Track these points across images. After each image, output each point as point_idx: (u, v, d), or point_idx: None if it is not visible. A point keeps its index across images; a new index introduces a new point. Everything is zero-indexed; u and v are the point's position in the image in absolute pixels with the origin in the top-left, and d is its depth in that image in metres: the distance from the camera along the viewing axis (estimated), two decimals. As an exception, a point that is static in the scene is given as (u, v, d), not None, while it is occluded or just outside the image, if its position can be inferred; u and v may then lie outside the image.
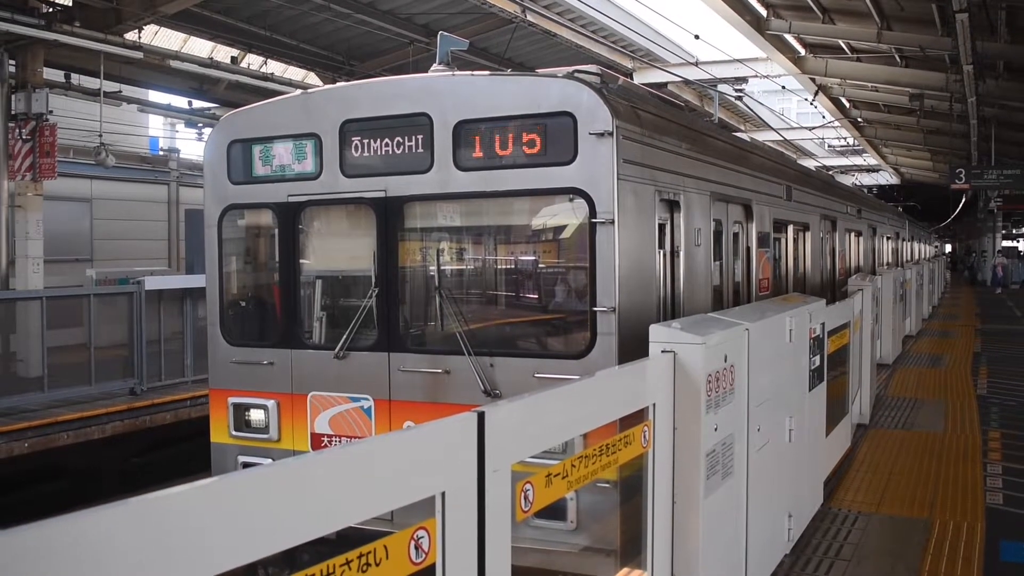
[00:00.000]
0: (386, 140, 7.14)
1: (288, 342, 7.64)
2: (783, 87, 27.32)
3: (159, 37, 22.55)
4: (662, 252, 7.37)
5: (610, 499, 6.13)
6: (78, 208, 22.54)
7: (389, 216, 7.19)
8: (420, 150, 7.02)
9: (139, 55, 17.77)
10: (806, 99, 28.74)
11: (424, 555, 2.73)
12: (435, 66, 7.44)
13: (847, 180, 40.63)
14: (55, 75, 19.00)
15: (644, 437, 4.38)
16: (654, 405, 4.48)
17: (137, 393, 13.92)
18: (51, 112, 16.61)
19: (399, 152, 7.11)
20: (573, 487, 3.76)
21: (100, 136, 19.01)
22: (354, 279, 7.82)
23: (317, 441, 7.29)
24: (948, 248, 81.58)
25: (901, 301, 18.36)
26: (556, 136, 6.54)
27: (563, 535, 6.28)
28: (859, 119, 33.22)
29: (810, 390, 7.16)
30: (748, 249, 10.04)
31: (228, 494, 2.25)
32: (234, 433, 7.72)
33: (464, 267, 7.58)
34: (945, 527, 7.31)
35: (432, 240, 7.45)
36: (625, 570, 5.20)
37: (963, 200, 44.38)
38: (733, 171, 9.49)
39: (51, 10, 16.73)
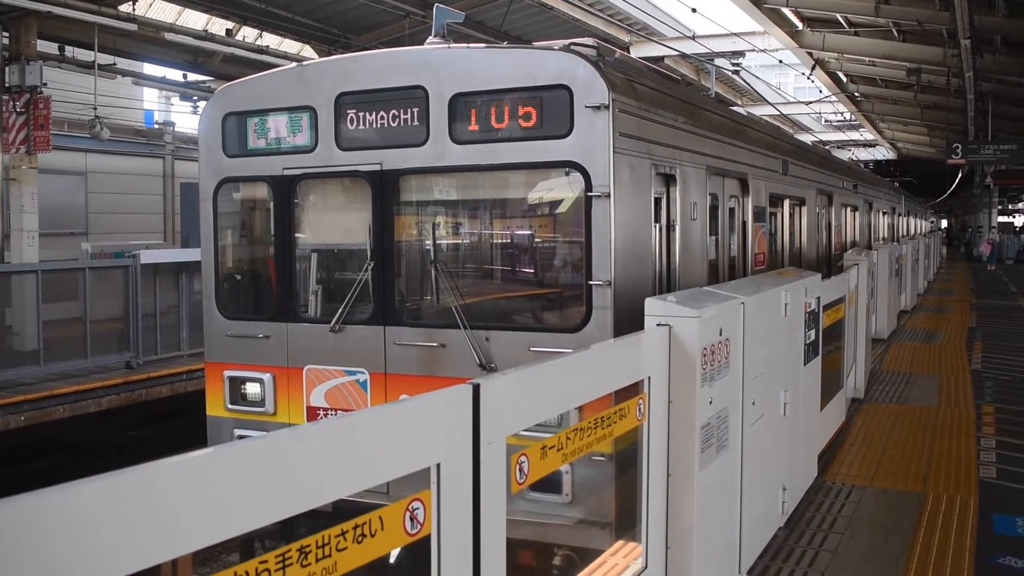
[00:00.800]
0: (382, 113, 7.12)
1: (284, 315, 7.62)
2: (780, 61, 27.21)
3: (154, 9, 22.37)
4: (658, 226, 7.34)
5: (605, 472, 6.14)
6: (73, 181, 22.45)
7: (384, 189, 7.17)
8: (416, 123, 6.99)
9: (133, 27, 17.65)
10: (803, 73, 28.67)
11: (419, 526, 2.74)
12: (431, 39, 7.39)
13: (844, 155, 40.59)
14: (49, 47, 18.87)
15: (639, 410, 4.39)
16: (649, 378, 4.49)
17: (133, 367, 13.93)
18: (45, 85, 16.52)
19: (395, 125, 7.08)
20: (568, 459, 3.77)
21: (95, 109, 18.90)
22: (350, 252, 7.80)
23: (313, 414, 7.29)
24: (944, 223, 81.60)
25: (896, 276, 18.39)
26: (552, 109, 6.52)
27: (558, 508, 6.31)
28: (856, 94, 33.14)
29: (805, 364, 7.18)
30: (744, 224, 9.99)
31: (221, 466, 2.26)
32: (230, 406, 7.72)
33: (460, 241, 7.55)
34: (938, 500, 7.36)
35: (428, 214, 7.42)
36: (619, 543, 5.23)
37: (959, 175, 44.37)
38: (729, 145, 9.46)
39: (44, -19, 16.59)
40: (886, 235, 27.40)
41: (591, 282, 6.44)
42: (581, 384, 4.03)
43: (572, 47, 6.81)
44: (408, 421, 2.84)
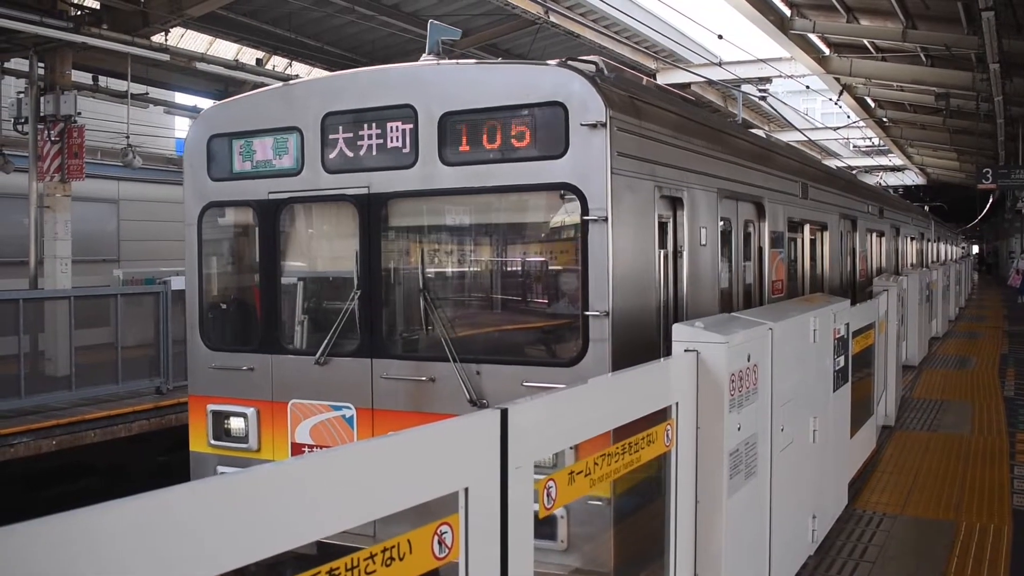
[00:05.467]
0: (369, 134, 6.82)
1: (268, 347, 7.31)
2: (807, 87, 27.16)
3: (185, 39, 22.74)
4: (663, 252, 7.00)
5: (603, 517, 5.79)
6: (106, 209, 22.74)
7: (372, 214, 6.86)
8: (404, 144, 6.69)
9: (166, 57, 17.92)
10: (831, 99, 28.55)
11: (447, 550, 2.75)
12: (424, 56, 7.08)
13: (872, 180, 40.32)
14: (83, 77, 19.20)
15: (667, 436, 4.38)
16: (677, 404, 4.48)
17: (163, 392, 14.02)
18: (79, 114, 16.78)
19: (382, 146, 6.77)
20: (596, 485, 3.76)
21: (127, 138, 19.18)
22: (337, 281, 7.47)
23: (297, 451, 6.97)
24: (976, 249, 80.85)
25: (927, 302, 18.22)
26: (546, 128, 6.20)
27: (553, 556, 5.93)
28: (884, 119, 32.96)
29: (834, 391, 7.13)
30: (760, 250, 9.63)
31: (249, 488, 2.28)
32: (213, 442, 7.41)
33: (450, 268, 7.19)
34: (971, 529, 7.25)
35: (417, 240, 7.10)
36: None
37: (990, 200, 43.97)
38: (743, 167, 9.09)
39: (79, 13, 16.90)
40: (914, 261, 26.79)
41: (587, 313, 6.08)
42: (608, 409, 4.03)
43: (568, 62, 6.51)
44: (437, 445, 2.85)
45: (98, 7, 17.38)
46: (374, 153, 6.82)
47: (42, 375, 14.43)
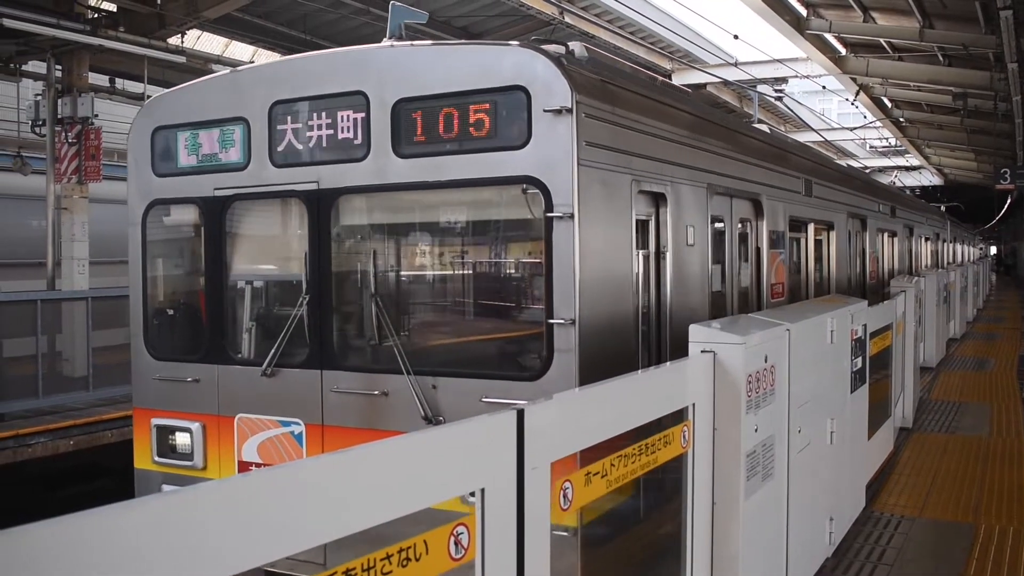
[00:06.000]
0: (319, 124, 6.31)
1: (214, 356, 6.80)
2: (824, 87, 27.07)
3: (201, 42, 22.82)
4: (642, 253, 6.47)
5: (570, 548, 5.09)
6: (123, 210, 22.82)
7: (321, 212, 6.34)
8: (356, 135, 6.17)
9: (182, 59, 17.98)
10: (847, 99, 28.44)
11: (464, 551, 2.74)
12: (385, 40, 6.50)
13: (886, 180, 40.11)
14: (100, 80, 19.29)
15: (684, 437, 4.36)
16: (694, 405, 4.46)
17: (179, 393, 14.07)
18: (96, 116, 16.87)
19: (333, 137, 6.26)
20: (612, 486, 3.75)
21: (144, 139, 19.23)
22: (286, 285, 6.94)
23: (244, 471, 6.42)
24: (993, 250, 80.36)
25: (945, 303, 18.11)
26: (507, 115, 5.66)
27: None
28: (901, 119, 32.81)
29: (852, 392, 7.08)
30: (758, 250, 9.06)
31: (267, 488, 2.28)
32: (157, 459, 6.91)
33: (404, 271, 6.67)
34: (991, 532, 7.20)
35: (369, 239, 6.56)
36: None
37: (1008, 201, 43.69)
38: (738, 161, 8.48)
39: (96, 16, 17.00)
40: (929, 263, 26.23)
41: (552, 321, 5.53)
42: (625, 410, 4.01)
43: (534, 42, 5.99)
44: (454, 446, 2.84)
45: (115, 10, 17.47)
46: (324, 145, 6.33)
47: (60, 376, 14.50)
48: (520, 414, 3.02)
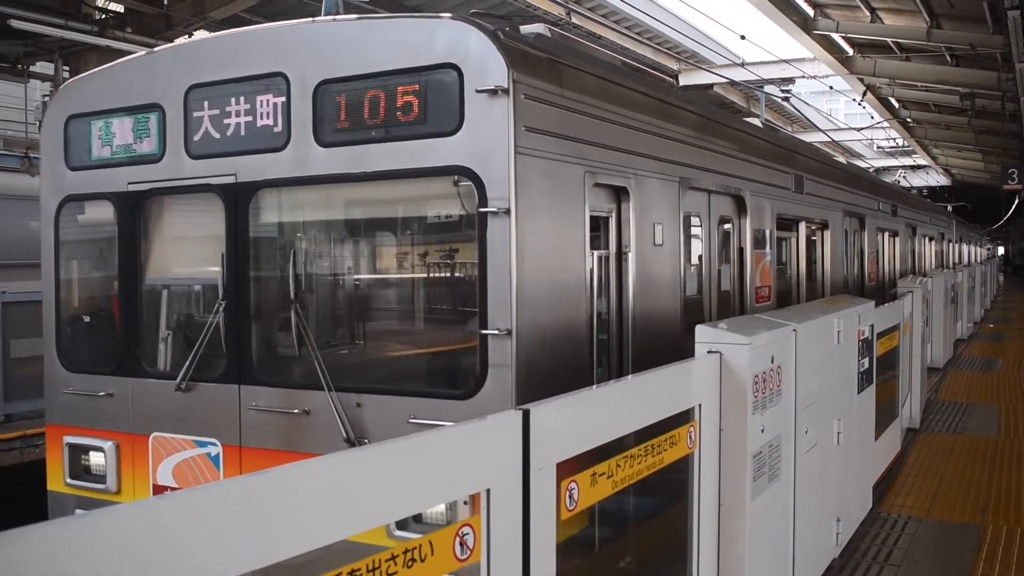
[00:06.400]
0: (237, 109, 5.73)
1: (128, 369, 6.20)
2: (831, 87, 27.04)
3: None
4: (598, 254, 5.86)
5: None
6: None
7: (239, 207, 5.76)
8: (276, 121, 5.58)
9: (189, 60, 18.01)
10: (854, 99, 28.43)
11: (469, 552, 2.73)
12: (320, 18, 5.99)
13: (891, 179, 40.01)
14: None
15: (690, 438, 4.35)
16: (700, 405, 4.45)
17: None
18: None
19: (251, 124, 5.67)
20: (618, 487, 3.74)
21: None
22: (204, 289, 6.31)
23: (159, 494, 5.58)
24: (1001, 250, 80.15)
25: (952, 304, 18.06)
26: (438, 97, 5.05)
27: None
28: (908, 119, 32.77)
29: (859, 393, 7.07)
30: (741, 251, 8.42)
31: (269, 489, 2.28)
32: (69, 481, 6.34)
33: (328, 275, 6.02)
34: (998, 533, 7.17)
35: (288, 239, 5.95)
36: None
37: (1016, 201, 43.60)
38: (717, 153, 7.81)
39: (104, 17, 17.05)
40: (933, 264, 25.63)
41: (485, 331, 4.94)
42: (632, 411, 4.01)
43: (471, 15, 5.37)
44: (460, 446, 2.84)
45: (122, 11, 17.52)
46: (242, 133, 5.71)
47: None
48: (526, 414, 3.01)
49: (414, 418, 5.10)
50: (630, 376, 4.48)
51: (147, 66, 6.21)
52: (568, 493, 3.32)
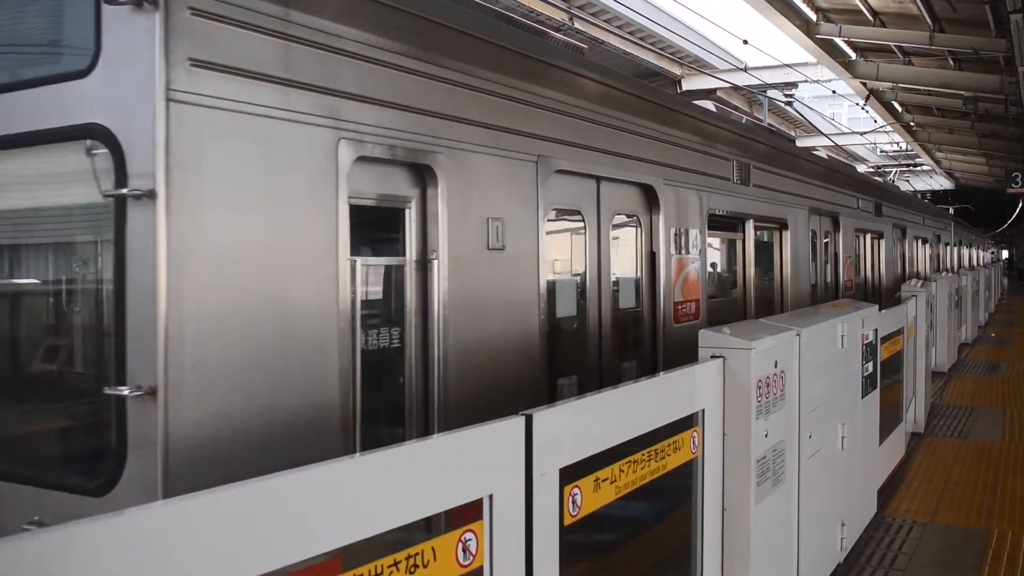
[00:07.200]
0: None
1: None
2: (833, 92, 27.04)
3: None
4: (371, 264, 4.28)
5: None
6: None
7: None
8: None
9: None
10: (857, 103, 28.41)
11: (472, 558, 2.73)
12: None
13: (900, 185, 39.94)
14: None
15: (693, 443, 4.35)
16: (703, 411, 4.44)
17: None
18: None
19: None
20: (621, 492, 3.74)
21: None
22: None
23: None
24: (1005, 254, 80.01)
25: (956, 308, 18.03)
26: (69, 20, 3.55)
27: None
28: (911, 123, 32.75)
29: (863, 397, 7.06)
30: (652, 256, 6.94)
31: (286, 492, 2.28)
32: None
33: None
34: (1003, 538, 7.15)
35: None
36: None
37: (1020, 204, 43.56)
38: (610, 128, 6.22)
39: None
40: (927, 269, 23.52)
41: (118, 390, 3.23)
42: (635, 416, 4.01)
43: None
44: (463, 452, 2.84)
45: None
46: None
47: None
48: (528, 419, 3.01)
49: (31, 520, 3.40)
50: (633, 381, 4.47)
51: None
52: (571, 498, 3.32)
